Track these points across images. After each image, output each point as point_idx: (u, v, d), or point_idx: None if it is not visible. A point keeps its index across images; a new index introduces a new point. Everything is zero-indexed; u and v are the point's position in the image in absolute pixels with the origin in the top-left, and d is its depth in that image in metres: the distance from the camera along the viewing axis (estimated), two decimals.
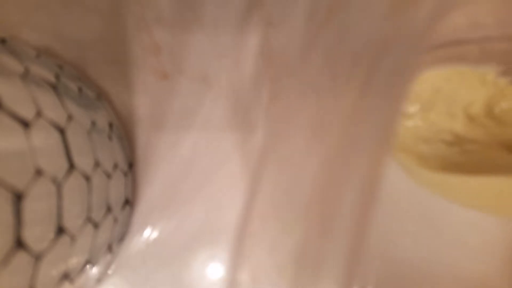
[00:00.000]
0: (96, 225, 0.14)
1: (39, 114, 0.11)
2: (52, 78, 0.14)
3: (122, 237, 0.18)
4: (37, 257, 0.10)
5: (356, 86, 0.17)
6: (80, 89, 0.16)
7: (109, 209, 0.15)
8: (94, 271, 0.15)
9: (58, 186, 0.11)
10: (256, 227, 0.18)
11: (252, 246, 0.18)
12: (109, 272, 0.18)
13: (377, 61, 0.17)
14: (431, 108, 0.18)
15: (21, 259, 0.10)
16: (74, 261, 0.13)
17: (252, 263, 0.17)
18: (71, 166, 0.12)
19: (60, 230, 0.12)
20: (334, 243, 0.17)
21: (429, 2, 0.17)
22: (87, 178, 0.13)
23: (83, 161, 0.13)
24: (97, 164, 0.14)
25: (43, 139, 0.11)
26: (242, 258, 0.17)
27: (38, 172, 0.10)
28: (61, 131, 0.12)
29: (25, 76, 0.12)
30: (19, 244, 0.10)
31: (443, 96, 0.18)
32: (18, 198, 0.10)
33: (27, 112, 0.11)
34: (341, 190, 0.17)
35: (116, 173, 0.16)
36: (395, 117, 0.17)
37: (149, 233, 0.19)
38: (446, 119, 0.18)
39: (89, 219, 0.13)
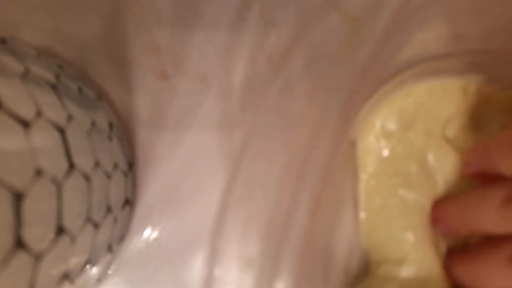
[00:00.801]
0: (96, 225, 0.14)
1: (39, 114, 0.11)
2: (52, 78, 0.14)
3: (122, 237, 0.18)
4: (37, 257, 0.10)
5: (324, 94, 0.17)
6: (80, 89, 0.16)
7: (109, 209, 0.15)
8: (94, 271, 0.15)
9: (58, 186, 0.11)
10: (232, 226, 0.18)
11: (228, 240, 0.18)
12: (109, 272, 0.18)
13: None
14: (412, 126, 0.18)
15: (21, 259, 0.10)
16: (74, 261, 0.13)
17: (226, 256, 0.18)
18: (71, 166, 0.12)
19: (60, 230, 0.12)
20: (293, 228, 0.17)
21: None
22: (87, 178, 0.13)
23: (83, 161, 0.13)
24: (97, 164, 0.14)
25: (43, 139, 0.11)
26: (217, 253, 0.18)
27: (38, 172, 0.11)
28: (61, 131, 0.12)
29: (25, 76, 0.12)
30: (19, 244, 0.10)
31: (424, 111, 0.18)
32: (18, 198, 0.10)
33: (27, 112, 0.11)
34: (302, 179, 0.17)
35: (116, 173, 0.16)
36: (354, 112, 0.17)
37: (149, 233, 0.19)
38: (423, 139, 0.18)
39: (89, 219, 0.13)
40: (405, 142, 0.18)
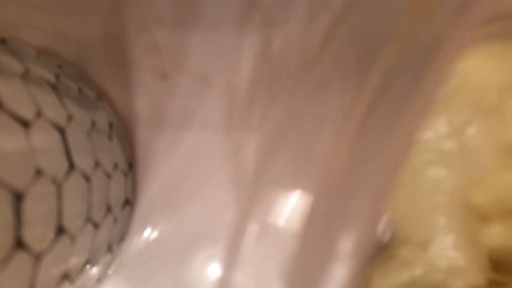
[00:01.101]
0: (96, 225, 0.14)
1: (39, 114, 0.11)
2: (52, 78, 0.14)
3: (122, 237, 0.18)
4: (37, 257, 0.10)
5: (368, 91, 0.16)
6: (80, 89, 0.16)
7: (109, 209, 0.15)
8: (94, 271, 0.15)
9: (58, 186, 0.11)
10: (255, 230, 0.18)
11: (250, 249, 0.17)
12: (109, 272, 0.18)
13: (400, 57, 0.15)
14: (460, 95, 0.15)
15: (21, 259, 0.10)
16: (74, 261, 0.13)
17: (250, 264, 0.17)
18: (71, 166, 0.12)
19: (60, 230, 0.12)
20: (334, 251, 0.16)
21: None
22: (87, 178, 0.13)
23: (83, 161, 0.13)
24: (97, 164, 0.14)
25: (43, 139, 0.11)
26: (238, 260, 0.17)
27: (38, 172, 0.11)
28: (61, 131, 0.12)
29: (25, 76, 0.12)
30: (19, 244, 0.10)
31: (476, 78, 0.15)
32: (18, 198, 0.10)
33: (27, 112, 0.11)
34: (345, 200, 0.16)
35: (116, 173, 0.16)
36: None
37: (149, 233, 0.19)
38: (467, 112, 0.15)
39: (89, 219, 0.13)
40: (448, 114, 0.16)
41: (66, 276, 0.13)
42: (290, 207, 0.18)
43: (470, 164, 0.16)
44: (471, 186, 0.16)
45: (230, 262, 0.17)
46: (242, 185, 0.19)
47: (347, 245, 0.16)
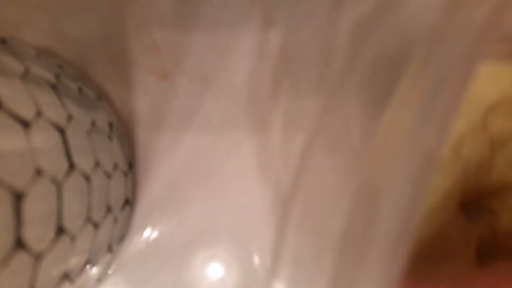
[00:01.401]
0: (96, 225, 0.14)
1: (39, 114, 0.11)
2: (52, 78, 0.14)
3: (122, 237, 0.18)
4: (37, 257, 0.10)
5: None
6: (80, 89, 0.16)
7: (109, 209, 0.15)
8: (94, 271, 0.15)
9: (58, 186, 0.11)
10: (290, 234, 0.18)
11: (288, 251, 0.17)
12: (109, 272, 0.18)
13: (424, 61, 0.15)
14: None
15: (21, 259, 0.10)
16: (74, 261, 0.13)
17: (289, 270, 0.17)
18: (71, 166, 0.12)
19: (60, 230, 0.12)
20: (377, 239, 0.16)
21: None
22: (87, 178, 0.13)
23: (83, 161, 0.13)
24: (97, 164, 0.14)
25: (43, 139, 0.11)
26: (278, 264, 0.17)
27: (38, 172, 0.11)
28: (61, 131, 0.12)
29: (25, 76, 0.12)
30: (19, 244, 0.10)
31: (469, 94, 0.16)
32: (18, 198, 0.10)
33: (27, 112, 0.11)
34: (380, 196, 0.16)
35: (116, 173, 0.16)
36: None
37: (149, 233, 0.19)
38: (462, 123, 0.16)
39: (89, 219, 0.13)
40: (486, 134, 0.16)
41: (66, 276, 0.13)
42: (328, 203, 0.18)
43: (463, 173, 0.16)
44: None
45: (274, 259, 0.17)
46: (242, 185, 0.19)
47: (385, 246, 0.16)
